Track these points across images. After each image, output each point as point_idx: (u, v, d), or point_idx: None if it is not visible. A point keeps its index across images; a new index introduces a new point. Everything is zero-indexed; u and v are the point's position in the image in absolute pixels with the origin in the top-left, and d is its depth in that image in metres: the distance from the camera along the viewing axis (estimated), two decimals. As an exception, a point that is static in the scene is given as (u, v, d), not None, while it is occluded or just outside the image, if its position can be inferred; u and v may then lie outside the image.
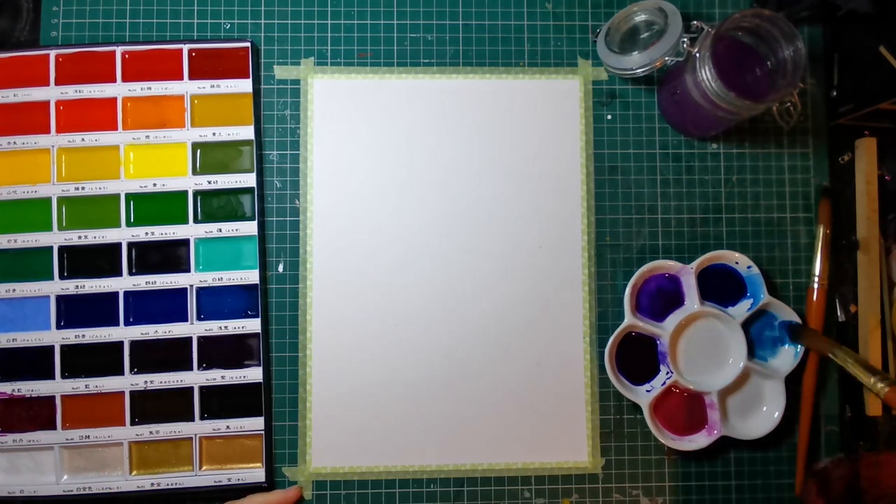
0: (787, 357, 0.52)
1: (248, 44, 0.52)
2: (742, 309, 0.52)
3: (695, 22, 0.47)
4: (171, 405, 0.50)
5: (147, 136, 0.51)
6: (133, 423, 0.50)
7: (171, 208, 0.51)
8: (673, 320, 0.52)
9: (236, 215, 0.52)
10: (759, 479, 0.53)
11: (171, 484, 0.49)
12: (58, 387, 0.50)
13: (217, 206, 0.52)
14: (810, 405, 0.52)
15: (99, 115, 0.51)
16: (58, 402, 0.50)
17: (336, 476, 0.51)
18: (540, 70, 0.54)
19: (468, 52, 0.54)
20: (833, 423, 0.53)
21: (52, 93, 0.51)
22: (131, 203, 0.51)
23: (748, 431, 0.51)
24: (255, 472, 0.50)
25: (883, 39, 0.48)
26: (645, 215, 0.54)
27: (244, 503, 0.48)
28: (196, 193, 0.51)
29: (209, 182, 0.51)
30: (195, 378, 0.50)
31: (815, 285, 0.52)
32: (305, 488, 0.51)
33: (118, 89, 0.51)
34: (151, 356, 0.50)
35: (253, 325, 0.51)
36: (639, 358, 0.52)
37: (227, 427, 0.50)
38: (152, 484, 0.49)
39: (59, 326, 0.50)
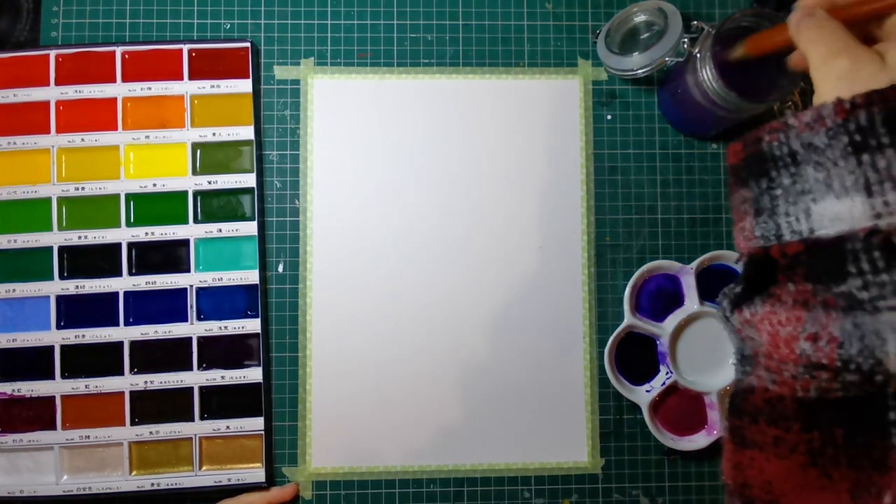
0: (787, 357, 0.52)
1: (248, 44, 0.52)
2: (742, 309, 0.52)
3: (695, 22, 0.47)
4: (171, 405, 0.50)
5: (147, 137, 0.51)
6: (133, 423, 0.50)
7: (171, 208, 0.51)
8: (673, 320, 0.52)
9: (236, 215, 0.52)
10: (759, 479, 0.52)
11: (171, 484, 0.49)
12: (58, 387, 0.50)
13: (217, 206, 0.52)
14: (810, 405, 0.52)
15: (99, 116, 0.51)
16: (58, 402, 0.50)
17: (336, 476, 0.51)
18: (540, 70, 0.54)
19: (468, 52, 0.54)
20: (833, 423, 0.53)
21: (52, 93, 0.51)
22: (131, 203, 0.51)
23: (748, 431, 0.51)
24: (255, 472, 0.50)
25: (883, 39, 0.48)
26: (645, 215, 0.54)
27: (239, 500, 0.48)
28: (196, 193, 0.51)
29: (209, 182, 0.51)
30: (195, 378, 0.50)
31: (816, 285, 0.52)
32: (305, 488, 0.51)
33: (118, 89, 0.51)
34: (151, 356, 0.50)
35: (253, 325, 0.51)
36: (639, 358, 0.52)
37: (227, 427, 0.50)
38: (152, 484, 0.49)
39: (59, 326, 0.50)
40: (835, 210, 0.27)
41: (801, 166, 0.28)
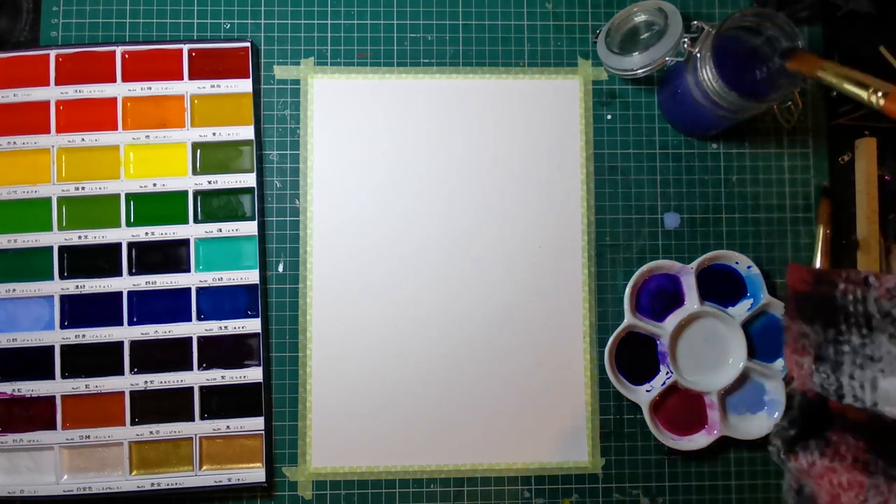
0: (787, 357, 0.52)
1: (248, 44, 0.52)
2: (742, 309, 0.52)
3: (695, 22, 0.47)
4: (171, 405, 0.50)
5: (147, 136, 0.51)
6: (133, 423, 0.50)
7: (171, 208, 0.51)
8: (673, 320, 0.52)
9: (236, 215, 0.52)
10: (759, 479, 0.53)
11: (171, 484, 0.49)
12: (58, 387, 0.50)
13: (217, 206, 0.52)
14: (810, 405, 0.52)
15: (99, 115, 0.51)
16: (58, 402, 0.50)
17: (336, 476, 0.51)
18: (540, 70, 0.54)
19: (468, 52, 0.54)
20: (833, 423, 0.53)
21: (52, 93, 0.51)
22: (131, 203, 0.51)
23: (748, 431, 0.51)
24: (255, 472, 0.50)
25: (883, 39, 0.48)
26: (645, 215, 0.54)
27: None
28: (196, 193, 0.51)
29: (209, 182, 0.51)
30: (195, 378, 0.50)
31: (816, 285, 0.52)
32: (305, 488, 0.51)
33: (118, 89, 0.51)
34: (151, 356, 0.50)
35: (253, 325, 0.51)
36: (639, 358, 0.52)
37: (227, 427, 0.50)
38: (152, 484, 0.49)
39: (59, 326, 0.50)
40: None
41: (874, 333, 0.25)
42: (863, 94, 0.38)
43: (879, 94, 0.38)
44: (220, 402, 0.50)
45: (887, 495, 0.25)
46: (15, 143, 0.51)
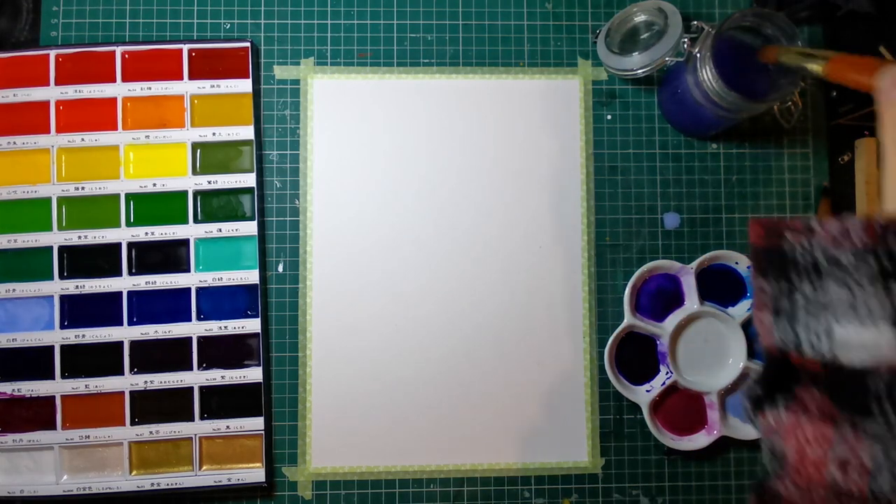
0: (787, 357, 0.52)
1: (248, 44, 0.52)
2: (742, 309, 0.52)
3: (695, 22, 0.47)
4: (171, 405, 0.50)
5: (147, 136, 0.51)
6: (133, 423, 0.50)
7: (171, 208, 0.51)
8: (673, 320, 0.52)
9: (236, 215, 0.52)
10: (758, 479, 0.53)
11: (171, 484, 0.49)
12: (58, 387, 0.50)
13: (217, 206, 0.52)
14: (810, 405, 0.52)
15: (99, 115, 0.51)
16: (58, 402, 0.50)
17: (336, 476, 0.51)
18: (540, 70, 0.54)
19: (468, 52, 0.54)
20: (833, 423, 0.53)
21: (52, 93, 0.51)
22: (131, 203, 0.51)
23: (748, 431, 0.51)
24: (255, 472, 0.50)
25: (883, 39, 0.48)
26: (645, 215, 0.54)
27: None
28: (196, 193, 0.51)
29: (209, 182, 0.51)
30: (195, 378, 0.50)
31: (816, 285, 0.52)
32: (305, 488, 0.51)
33: (118, 89, 0.51)
34: (151, 356, 0.50)
35: (253, 325, 0.51)
36: (639, 358, 0.52)
37: (227, 427, 0.50)
38: (152, 484, 0.49)
39: (59, 326, 0.50)
40: (860, 338, 0.24)
41: (823, 279, 0.25)
42: (816, 67, 0.38)
43: (818, 64, 0.37)
44: (220, 402, 0.50)
45: (853, 443, 0.24)
46: (15, 143, 0.51)
